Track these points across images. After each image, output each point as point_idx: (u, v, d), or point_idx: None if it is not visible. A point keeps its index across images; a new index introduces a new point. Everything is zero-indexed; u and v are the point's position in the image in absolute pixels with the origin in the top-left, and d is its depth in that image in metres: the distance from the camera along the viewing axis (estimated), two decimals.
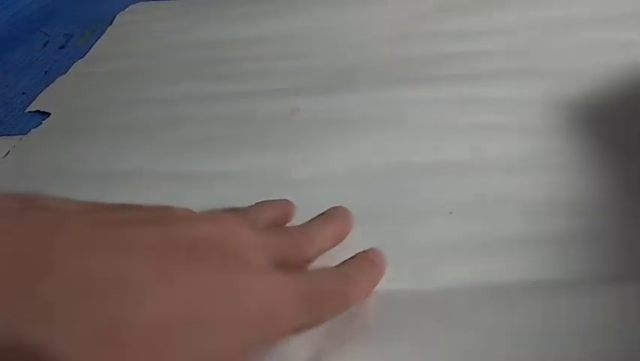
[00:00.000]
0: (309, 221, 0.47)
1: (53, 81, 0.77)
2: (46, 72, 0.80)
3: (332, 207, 0.49)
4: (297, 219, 0.50)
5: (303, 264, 0.43)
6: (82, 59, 0.82)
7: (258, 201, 0.51)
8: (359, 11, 0.87)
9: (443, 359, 0.38)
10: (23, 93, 0.75)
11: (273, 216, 0.49)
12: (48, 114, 0.70)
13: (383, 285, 0.44)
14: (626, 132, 0.58)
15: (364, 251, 0.44)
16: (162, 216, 0.35)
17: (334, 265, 0.43)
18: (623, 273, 0.43)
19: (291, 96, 0.68)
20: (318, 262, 0.45)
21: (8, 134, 0.66)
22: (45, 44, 0.88)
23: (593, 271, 0.44)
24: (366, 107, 0.65)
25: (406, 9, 0.85)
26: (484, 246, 0.47)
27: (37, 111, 0.71)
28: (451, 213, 0.51)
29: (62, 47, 0.87)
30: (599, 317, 0.40)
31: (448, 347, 0.39)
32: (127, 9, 0.98)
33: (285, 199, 0.51)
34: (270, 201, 0.50)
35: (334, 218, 0.48)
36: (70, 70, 0.79)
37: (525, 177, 0.54)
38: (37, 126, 0.67)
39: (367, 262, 0.44)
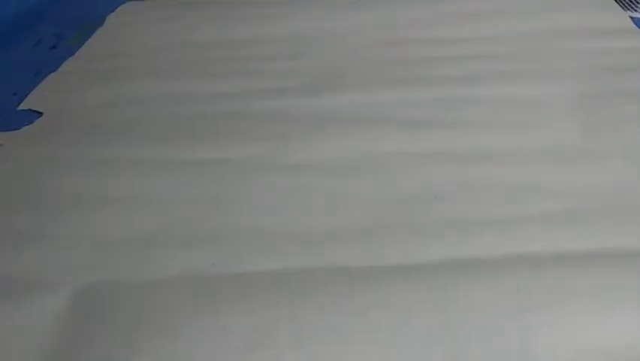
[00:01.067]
0: None
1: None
2: (37, 72, 0.80)
3: None
4: (281, 202, 0.53)
5: None
6: (72, 57, 0.83)
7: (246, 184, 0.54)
8: (349, 17, 0.89)
9: (425, 327, 0.40)
10: (15, 94, 0.76)
11: None
12: (41, 114, 0.70)
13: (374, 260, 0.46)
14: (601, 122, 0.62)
15: None
16: None
17: None
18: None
19: (282, 96, 0.70)
20: None
21: (3, 131, 0.67)
22: (36, 44, 0.89)
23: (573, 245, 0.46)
24: (350, 106, 0.67)
25: (395, 17, 0.88)
26: (467, 226, 0.49)
27: (30, 110, 0.71)
28: (436, 198, 0.53)
29: (53, 47, 0.88)
30: (580, 286, 0.42)
31: (430, 317, 0.40)
32: (117, 9, 0.99)
33: None
34: None
35: None
36: (60, 68, 0.80)
37: (502, 166, 0.56)
38: (29, 124, 0.68)
39: None
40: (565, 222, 0.49)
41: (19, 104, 0.73)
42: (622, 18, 0.83)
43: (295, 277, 0.44)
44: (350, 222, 0.50)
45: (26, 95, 0.74)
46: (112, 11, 0.98)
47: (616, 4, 0.87)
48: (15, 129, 0.67)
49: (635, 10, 0.86)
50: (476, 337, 0.39)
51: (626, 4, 0.87)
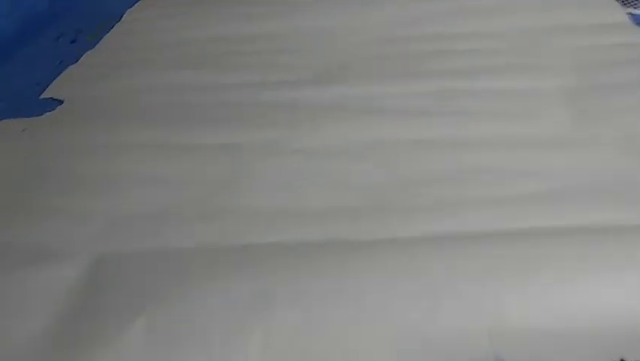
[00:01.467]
0: None
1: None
2: (59, 63, 0.85)
3: None
4: (285, 183, 0.56)
5: None
6: (91, 50, 0.87)
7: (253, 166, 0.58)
8: (353, 15, 0.92)
9: (406, 290, 0.43)
10: (37, 84, 0.80)
11: None
12: (61, 102, 0.75)
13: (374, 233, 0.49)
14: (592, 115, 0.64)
15: None
16: None
17: None
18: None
19: (289, 87, 0.73)
20: None
21: (27, 117, 0.71)
22: (57, 39, 0.93)
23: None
24: (353, 98, 0.70)
25: (396, 14, 0.91)
26: (454, 206, 0.52)
27: (51, 99, 0.76)
28: (429, 181, 0.56)
29: (73, 42, 0.92)
30: (548, 256, 0.45)
31: (411, 282, 0.44)
32: (135, 5, 1.03)
33: None
34: None
35: None
36: (79, 60, 0.85)
37: (495, 152, 0.59)
38: (51, 111, 0.72)
39: None
40: (545, 202, 0.52)
41: (41, 93, 0.77)
42: (619, 14, 0.85)
43: (292, 249, 0.48)
44: (347, 202, 0.53)
45: (48, 85, 0.79)
46: (130, 7, 1.03)
47: (615, 1, 0.89)
48: (38, 115, 0.72)
49: (635, 7, 0.89)
50: (454, 298, 0.42)
51: (626, 1, 0.90)
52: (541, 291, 0.42)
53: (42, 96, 0.76)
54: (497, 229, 0.49)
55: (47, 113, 0.72)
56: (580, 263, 0.44)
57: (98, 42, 0.91)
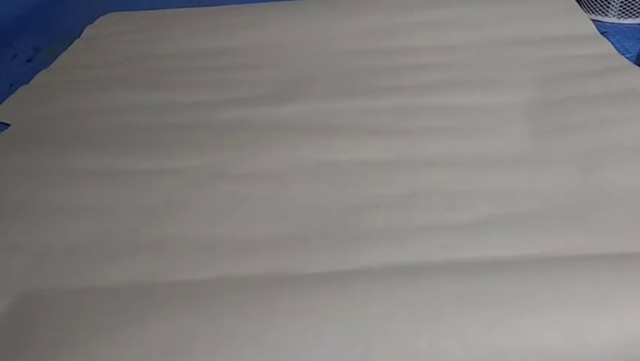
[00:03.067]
0: None
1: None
2: (11, 85, 0.82)
3: None
4: (223, 211, 0.53)
5: None
6: (45, 70, 0.85)
7: (191, 194, 0.55)
8: (311, 28, 0.90)
9: (337, 332, 0.40)
10: None
11: None
12: (7, 125, 0.72)
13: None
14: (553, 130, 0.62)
15: None
16: None
17: None
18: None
19: (242, 106, 0.71)
20: None
21: None
22: (13, 58, 0.91)
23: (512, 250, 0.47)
24: (308, 115, 0.68)
25: (355, 27, 0.88)
26: (401, 233, 0.50)
27: None
28: (377, 206, 0.54)
29: (29, 60, 0.90)
30: (492, 291, 0.42)
31: (344, 322, 0.41)
32: (96, 21, 1.01)
33: None
34: None
35: None
36: (32, 80, 0.82)
37: (449, 173, 0.57)
38: None
39: None
40: (498, 229, 0.49)
41: None
42: (585, 24, 0.83)
43: (222, 285, 0.45)
44: (287, 231, 0.51)
45: None
46: (91, 23, 1.00)
47: (580, 10, 0.87)
48: None
49: (604, 14, 0.87)
50: (388, 341, 0.40)
51: (592, 8, 0.87)
52: (483, 330, 0.40)
53: None
54: (442, 260, 0.46)
55: None
56: (524, 298, 0.41)
57: (54, 60, 0.88)
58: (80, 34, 0.97)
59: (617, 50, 0.77)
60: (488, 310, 0.41)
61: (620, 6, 0.85)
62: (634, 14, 0.85)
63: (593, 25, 0.83)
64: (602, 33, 0.81)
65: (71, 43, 0.94)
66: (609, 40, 0.79)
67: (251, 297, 0.44)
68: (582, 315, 0.40)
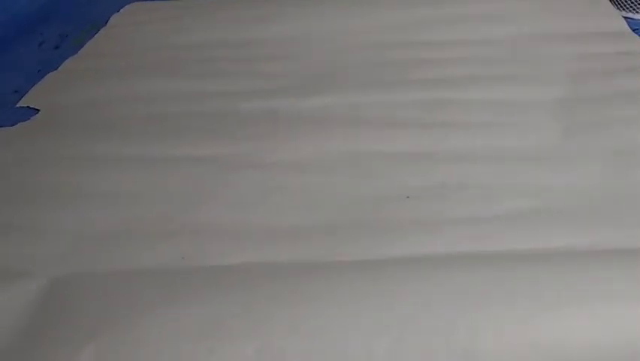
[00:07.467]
0: None
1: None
2: (39, 71, 0.83)
3: None
4: (254, 199, 0.54)
5: None
6: (73, 57, 0.85)
7: (222, 181, 0.55)
8: (338, 20, 0.90)
9: (371, 320, 0.40)
10: (16, 92, 0.78)
11: None
12: (37, 111, 0.73)
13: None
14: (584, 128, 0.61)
15: None
16: None
17: None
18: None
19: (270, 97, 0.71)
20: None
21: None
22: (40, 44, 0.92)
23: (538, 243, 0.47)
24: (334, 108, 0.68)
25: (383, 20, 0.88)
26: (431, 225, 0.49)
27: (27, 108, 0.74)
28: (407, 197, 0.53)
29: (57, 47, 0.90)
30: (520, 285, 0.42)
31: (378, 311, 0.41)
32: (121, 10, 1.01)
33: None
34: None
35: None
36: (60, 67, 0.83)
37: (479, 166, 0.56)
38: (25, 121, 0.70)
39: None
40: (532, 222, 0.49)
41: (18, 101, 0.75)
42: (617, 21, 0.82)
43: (255, 271, 0.45)
44: (318, 220, 0.51)
45: (26, 93, 0.77)
46: (116, 12, 1.00)
47: (611, 5, 0.86)
48: (11, 125, 0.70)
49: (636, 12, 0.86)
50: (421, 331, 0.39)
51: (623, 5, 0.86)
52: (517, 323, 0.40)
53: (18, 105, 0.74)
54: (475, 251, 0.46)
55: (21, 123, 0.70)
56: (559, 292, 0.41)
57: (81, 47, 0.89)
58: (106, 22, 0.97)
59: None
60: (524, 302, 0.41)
61: None
62: None
63: (625, 23, 0.82)
64: (633, 30, 0.81)
65: (97, 31, 0.94)
66: None
67: (284, 283, 0.44)
68: (619, 308, 0.40)
